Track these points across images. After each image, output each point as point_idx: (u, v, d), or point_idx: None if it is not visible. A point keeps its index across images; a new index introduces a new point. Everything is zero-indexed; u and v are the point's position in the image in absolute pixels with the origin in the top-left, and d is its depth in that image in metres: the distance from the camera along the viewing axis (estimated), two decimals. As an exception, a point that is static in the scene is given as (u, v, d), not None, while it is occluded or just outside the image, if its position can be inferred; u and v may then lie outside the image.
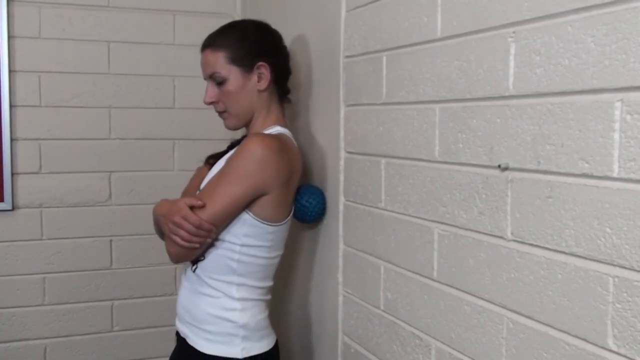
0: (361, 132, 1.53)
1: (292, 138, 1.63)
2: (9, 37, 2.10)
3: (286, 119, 1.70)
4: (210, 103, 1.62)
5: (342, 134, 1.62)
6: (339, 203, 1.64)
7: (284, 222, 1.58)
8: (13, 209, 2.15)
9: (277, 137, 1.55)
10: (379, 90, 1.45)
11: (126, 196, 2.29)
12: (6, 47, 2.09)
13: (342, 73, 1.62)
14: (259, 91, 1.60)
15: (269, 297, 1.63)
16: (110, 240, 2.29)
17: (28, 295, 2.19)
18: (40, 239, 2.20)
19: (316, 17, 1.76)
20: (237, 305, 1.53)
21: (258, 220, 1.51)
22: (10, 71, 2.10)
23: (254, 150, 1.47)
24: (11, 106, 2.12)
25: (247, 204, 1.49)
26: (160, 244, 2.27)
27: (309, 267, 1.83)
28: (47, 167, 2.18)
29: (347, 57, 1.59)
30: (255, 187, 1.48)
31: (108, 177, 2.27)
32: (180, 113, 2.34)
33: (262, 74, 1.59)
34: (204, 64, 1.61)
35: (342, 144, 1.62)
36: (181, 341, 1.61)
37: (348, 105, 1.60)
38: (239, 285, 1.54)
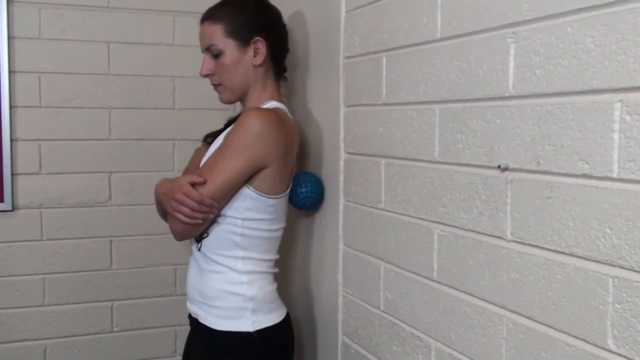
0: (361, 132, 1.53)
1: (287, 112, 1.64)
2: (9, 37, 2.10)
3: (282, 96, 1.71)
4: (206, 75, 1.64)
5: (342, 134, 1.62)
6: (338, 203, 1.64)
7: (284, 194, 1.59)
8: (13, 209, 2.14)
9: (274, 111, 1.56)
10: (378, 90, 1.45)
11: (126, 197, 2.29)
12: (6, 47, 2.09)
13: (342, 73, 1.62)
14: (255, 66, 1.62)
15: (275, 270, 1.64)
16: (110, 241, 2.29)
17: (28, 295, 2.19)
18: (40, 240, 2.20)
19: (316, 17, 1.76)
20: (244, 278, 1.55)
21: (258, 194, 1.53)
22: (10, 72, 2.10)
23: (252, 123, 1.48)
24: (11, 107, 2.11)
25: (247, 178, 1.51)
26: (160, 244, 2.29)
27: (308, 267, 1.83)
28: (47, 168, 2.18)
29: (347, 57, 1.59)
30: (254, 160, 1.49)
31: (108, 177, 2.26)
32: (180, 113, 2.33)
33: (258, 49, 1.61)
34: (202, 36, 1.64)
35: (342, 145, 1.62)
36: (194, 322, 1.63)
37: (348, 106, 1.60)
38: (244, 258, 1.55)
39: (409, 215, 1.34)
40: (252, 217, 1.54)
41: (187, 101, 2.32)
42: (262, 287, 1.57)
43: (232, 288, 1.54)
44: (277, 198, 1.57)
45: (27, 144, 2.15)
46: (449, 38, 1.20)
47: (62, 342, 2.24)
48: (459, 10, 1.17)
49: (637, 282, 0.84)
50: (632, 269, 0.84)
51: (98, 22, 2.21)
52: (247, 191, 1.52)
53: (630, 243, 0.85)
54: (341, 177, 1.63)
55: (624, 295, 0.85)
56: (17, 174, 2.14)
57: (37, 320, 2.21)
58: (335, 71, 1.64)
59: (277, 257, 1.64)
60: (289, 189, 1.62)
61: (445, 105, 1.22)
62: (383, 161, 1.44)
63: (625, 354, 0.85)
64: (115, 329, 2.31)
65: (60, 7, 2.16)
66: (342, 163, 1.63)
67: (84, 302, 2.26)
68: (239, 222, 1.53)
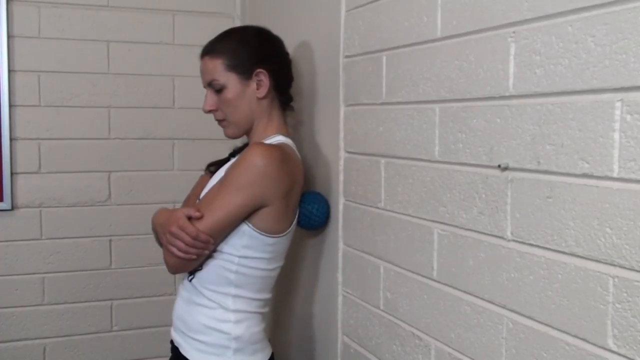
0: (361, 132, 1.53)
1: (294, 147, 1.60)
2: (9, 37, 2.10)
3: (289, 127, 1.67)
4: (210, 111, 1.59)
5: (342, 134, 1.62)
6: (338, 203, 1.64)
7: (285, 233, 1.54)
8: (12, 208, 2.15)
9: (279, 147, 1.51)
10: (378, 90, 1.45)
11: (125, 196, 2.29)
12: (6, 47, 2.09)
13: (342, 73, 1.61)
14: (259, 99, 1.57)
15: (266, 309, 1.60)
16: (110, 240, 2.29)
17: (27, 295, 2.19)
18: (40, 239, 2.20)
19: (316, 17, 1.76)
20: (232, 317, 1.50)
21: (257, 232, 1.48)
22: (9, 71, 2.10)
23: (255, 160, 1.43)
24: (10, 106, 2.12)
25: (246, 216, 1.46)
26: (160, 243, 2.28)
27: (308, 267, 1.83)
28: (46, 167, 2.18)
29: (347, 57, 1.59)
30: (254, 198, 1.44)
31: (107, 176, 2.27)
32: (180, 113, 2.34)
33: (261, 81, 1.56)
34: (203, 71, 1.59)
35: (341, 144, 1.62)
36: (175, 351, 1.59)
37: (348, 105, 1.60)
38: (235, 297, 1.51)
39: (409, 215, 1.34)
40: (249, 255, 1.49)
41: (186, 100, 2.32)
42: (248, 327, 1.52)
43: (217, 325, 1.50)
44: (277, 237, 1.51)
45: (26, 143, 2.15)
46: (449, 37, 1.20)
47: (62, 341, 2.24)
48: (459, 10, 1.17)
49: (637, 281, 0.84)
50: (632, 269, 0.84)
51: (97, 21, 2.21)
52: (245, 228, 1.47)
53: (630, 243, 0.85)
54: (341, 177, 1.63)
55: (624, 295, 0.85)
56: (17, 173, 2.14)
57: (37, 319, 2.21)
58: (335, 71, 1.64)
59: (269, 296, 1.59)
60: (292, 227, 1.56)
61: (446, 105, 1.22)
62: (383, 160, 1.44)
63: (626, 354, 0.85)
64: (114, 328, 2.31)
65: (60, 6, 2.16)
66: (342, 163, 1.63)
67: (83, 302, 2.26)
68: (235, 259, 1.48)
